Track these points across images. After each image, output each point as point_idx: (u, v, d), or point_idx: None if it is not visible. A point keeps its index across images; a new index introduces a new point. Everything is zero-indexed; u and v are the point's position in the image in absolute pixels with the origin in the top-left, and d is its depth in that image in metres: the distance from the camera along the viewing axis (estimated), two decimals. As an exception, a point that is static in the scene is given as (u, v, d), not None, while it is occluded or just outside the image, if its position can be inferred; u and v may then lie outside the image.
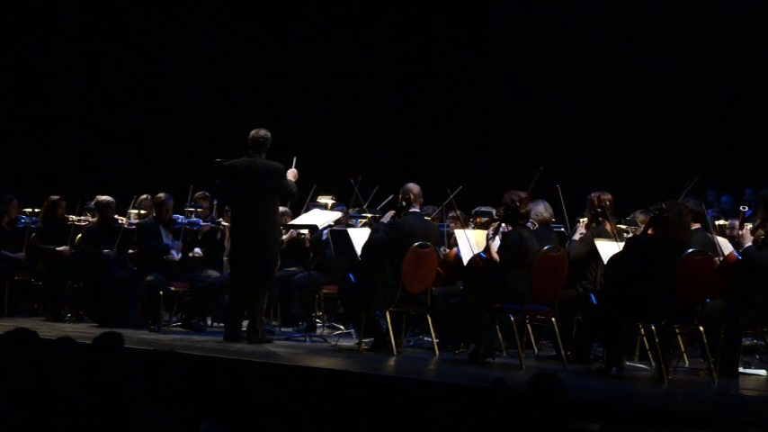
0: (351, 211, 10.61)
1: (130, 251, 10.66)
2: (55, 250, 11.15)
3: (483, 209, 9.90)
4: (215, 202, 10.74)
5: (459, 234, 8.96)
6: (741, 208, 8.65)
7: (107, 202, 11.00)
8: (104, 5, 15.18)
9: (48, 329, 9.54)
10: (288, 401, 7.06)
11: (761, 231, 8.15)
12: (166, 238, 10.28)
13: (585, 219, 8.86)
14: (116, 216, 11.04)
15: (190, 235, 10.43)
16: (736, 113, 13.54)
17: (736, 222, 8.91)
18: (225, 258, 10.37)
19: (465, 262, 8.80)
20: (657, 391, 7.37)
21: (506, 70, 15.22)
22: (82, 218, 11.40)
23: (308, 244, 10.36)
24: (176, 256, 10.27)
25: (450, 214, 9.91)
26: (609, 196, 8.77)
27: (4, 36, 14.73)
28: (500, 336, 8.54)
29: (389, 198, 10.27)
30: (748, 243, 8.06)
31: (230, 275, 9.46)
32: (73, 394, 4.36)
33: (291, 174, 9.32)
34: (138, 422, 4.16)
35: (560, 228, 9.64)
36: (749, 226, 8.28)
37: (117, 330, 5.38)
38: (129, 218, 11.06)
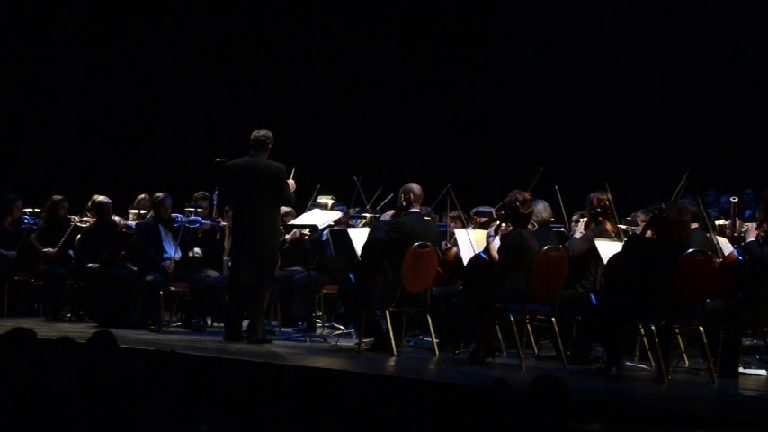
0: (351, 210, 10.62)
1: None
2: (42, 252, 11.13)
3: (483, 209, 9.90)
4: (215, 202, 10.74)
5: (460, 234, 8.97)
6: (731, 199, 8.66)
7: (104, 203, 10.99)
8: (105, 6, 15.18)
9: (47, 329, 9.53)
10: (288, 401, 7.06)
11: (763, 228, 8.14)
12: (166, 238, 10.27)
13: (585, 219, 8.86)
14: (113, 216, 11.03)
15: (189, 234, 10.42)
16: (737, 113, 13.54)
17: (737, 222, 8.91)
18: (225, 258, 10.37)
19: (465, 262, 8.80)
20: (657, 391, 7.36)
21: (506, 70, 15.22)
22: (84, 218, 11.40)
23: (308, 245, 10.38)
24: (176, 254, 10.26)
25: (451, 214, 9.91)
26: (608, 196, 8.77)
27: (4, 37, 14.73)
28: (500, 336, 8.53)
29: (389, 197, 10.27)
30: (751, 238, 8.06)
31: (230, 275, 9.45)
32: (72, 394, 4.35)
33: (290, 185, 9.32)
34: (137, 422, 4.16)
35: (560, 227, 9.64)
36: (753, 224, 8.26)
37: (109, 329, 5.37)
38: (127, 218, 11.05)
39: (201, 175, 10.89)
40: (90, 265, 10.71)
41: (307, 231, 10.17)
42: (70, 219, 11.35)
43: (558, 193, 9.22)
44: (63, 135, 15.06)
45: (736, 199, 8.70)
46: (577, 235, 8.81)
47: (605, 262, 8.38)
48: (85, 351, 4.83)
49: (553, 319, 8.30)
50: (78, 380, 4.41)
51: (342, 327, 10.42)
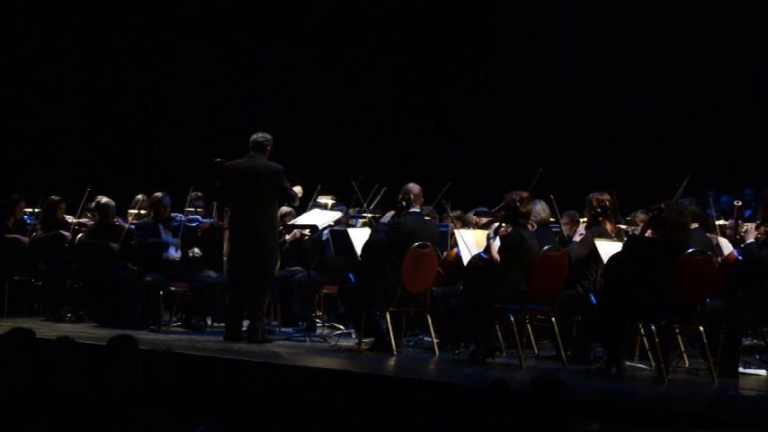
0: (351, 211, 10.62)
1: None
2: (59, 233, 11.10)
3: (483, 209, 9.90)
4: (215, 203, 10.74)
5: (459, 234, 8.96)
6: (735, 202, 8.66)
7: (107, 204, 10.98)
8: (105, 6, 15.18)
9: (48, 329, 9.52)
10: (288, 401, 7.06)
11: (762, 230, 8.14)
12: (166, 237, 10.27)
13: (585, 220, 8.87)
14: (116, 219, 11.02)
15: (189, 232, 10.42)
16: (737, 113, 13.53)
17: (739, 224, 8.90)
18: (225, 258, 10.37)
19: (465, 262, 8.80)
20: (657, 391, 7.37)
21: (506, 69, 15.22)
22: (82, 220, 11.37)
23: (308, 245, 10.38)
24: (176, 254, 10.26)
25: (451, 214, 9.91)
26: (608, 196, 8.77)
27: (3, 37, 14.73)
28: (500, 336, 8.53)
29: (383, 190, 10.26)
30: (751, 239, 8.05)
31: (230, 276, 9.45)
32: (72, 394, 4.35)
33: (298, 190, 9.36)
34: (137, 422, 4.16)
35: (559, 228, 9.64)
36: (752, 225, 8.25)
37: (131, 334, 5.35)
38: (126, 218, 11.04)
39: (201, 176, 10.88)
40: (113, 245, 10.63)
41: (307, 231, 10.18)
42: (68, 219, 11.33)
43: (554, 202, 9.23)
44: (63, 135, 15.06)
45: (741, 203, 8.70)
46: (576, 238, 8.79)
47: (605, 262, 8.38)
48: (104, 353, 4.79)
49: (553, 319, 8.30)
50: (79, 380, 4.41)
51: (342, 327, 10.42)
